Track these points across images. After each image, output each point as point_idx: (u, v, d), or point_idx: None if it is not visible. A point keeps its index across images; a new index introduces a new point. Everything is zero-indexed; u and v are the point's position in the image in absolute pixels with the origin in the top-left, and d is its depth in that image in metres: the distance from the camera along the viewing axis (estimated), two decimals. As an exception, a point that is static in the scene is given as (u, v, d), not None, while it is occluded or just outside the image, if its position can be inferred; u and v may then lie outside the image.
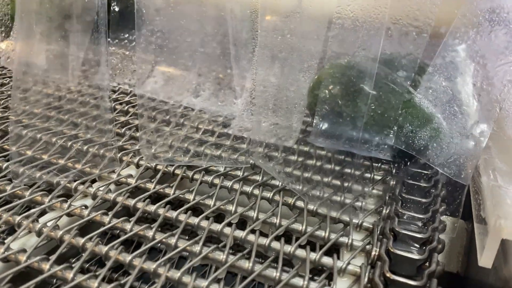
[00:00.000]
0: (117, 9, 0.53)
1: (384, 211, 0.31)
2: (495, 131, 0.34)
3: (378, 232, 0.29)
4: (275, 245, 0.27)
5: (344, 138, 0.32)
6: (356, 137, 0.32)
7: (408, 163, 0.36)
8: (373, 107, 0.32)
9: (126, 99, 0.49)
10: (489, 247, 0.24)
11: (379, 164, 0.36)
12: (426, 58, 0.34)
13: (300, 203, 0.31)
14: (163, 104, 0.46)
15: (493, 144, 0.32)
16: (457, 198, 0.32)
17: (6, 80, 0.52)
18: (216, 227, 0.28)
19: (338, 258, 0.27)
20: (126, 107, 0.46)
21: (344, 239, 0.28)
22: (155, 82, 0.48)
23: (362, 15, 0.31)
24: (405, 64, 0.34)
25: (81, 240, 0.26)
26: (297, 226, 0.29)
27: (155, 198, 0.35)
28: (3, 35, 0.59)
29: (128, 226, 0.28)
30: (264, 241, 0.27)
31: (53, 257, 0.25)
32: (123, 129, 0.41)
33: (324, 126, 0.33)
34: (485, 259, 0.25)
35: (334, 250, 0.29)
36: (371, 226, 0.30)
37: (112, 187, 0.33)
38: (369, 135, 0.32)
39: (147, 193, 0.32)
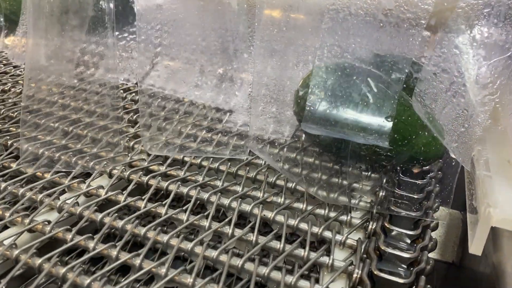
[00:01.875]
0: (119, 3, 0.51)
1: (370, 226, 0.29)
2: (491, 123, 0.34)
3: (362, 251, 0.27)
4: (249, 266, 0.25)
5: (338, 126, 0.31)
6: (351, 124, 0.30)
7: (399, 173, 0.34)
8: (369, 96, 0.30)
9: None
10: (478, 235, 0.25)
11: (369, 173, 0.34)
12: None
13: (279, 218, 0.29)
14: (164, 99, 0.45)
15: (488, 136, 0.32)
16: (448, 187, 0.32)
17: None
18: (187, 245, 0.26)
19: (317, 281, 0.25)
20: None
21: (325, 259, 0.26)
22: (158, 75, 0.47)
23: (358, 1, 0.30)
24: (402, 53, 0.32)
25: (38, 260, 0.24)
26: (275, 244, 0.27)
27: (128, 210, 0.33)
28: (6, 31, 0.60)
29: (91, 244, 0.26)
30: (237, 261, 0.25)
31: (4, 281, 0.23)
32: (100, 135, 0.39)
33: (317, 112, 0.31)
34: (475, 246, 0.25)
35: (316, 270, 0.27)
36: (355, 243, 0.27)
37: (81, 199, 0.31)
38: (365, 123, 0.30)
39: (116, 207, 0.29)
